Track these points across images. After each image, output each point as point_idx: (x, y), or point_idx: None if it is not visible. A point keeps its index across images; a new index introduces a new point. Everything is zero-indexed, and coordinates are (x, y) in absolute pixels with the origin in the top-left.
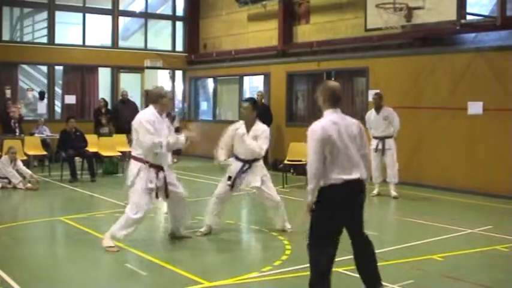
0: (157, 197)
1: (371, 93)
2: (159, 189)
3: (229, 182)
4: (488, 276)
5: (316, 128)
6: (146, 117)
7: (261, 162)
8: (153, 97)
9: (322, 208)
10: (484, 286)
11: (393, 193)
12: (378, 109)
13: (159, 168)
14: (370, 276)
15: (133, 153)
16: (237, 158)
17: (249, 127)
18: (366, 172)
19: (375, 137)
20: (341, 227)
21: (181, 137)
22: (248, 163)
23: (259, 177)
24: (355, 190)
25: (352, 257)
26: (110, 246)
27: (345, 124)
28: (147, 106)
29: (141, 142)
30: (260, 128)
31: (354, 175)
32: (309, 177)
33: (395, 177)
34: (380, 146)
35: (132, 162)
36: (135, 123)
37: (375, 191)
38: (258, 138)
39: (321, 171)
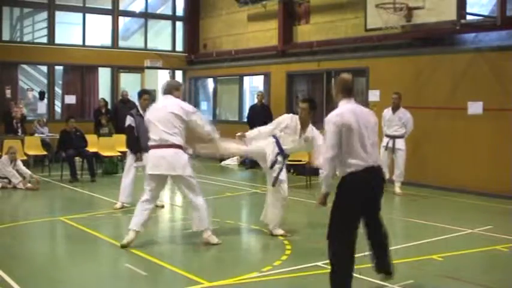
0: None
1: (371, 93)
2: None
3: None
4: (488, 276)
5: (332, 115)
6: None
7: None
8: (174, 86)
9: (344, 197)
10: (484, 286)
11: (398, 190)
12: (395, 109)
13: None
14: (381, 258)
15: (176, 142)
16: (279, 146)
17: (304, 127)
18: (379, 158)
19: (387, 135)
20: (360, 214)
21: None
22: (284, 157)
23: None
24: (374, 176)
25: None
26: (215, 243)
27: (361, 113)
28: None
29: (195, 129)
30: (313, 132)
31: (373, 162)
32: (324, 163)
33: (402, 176)
34: (390, 145)
35: (178, 151)
36: (184, 113)
37: None
38: (308, 141)
39: (336, 158)
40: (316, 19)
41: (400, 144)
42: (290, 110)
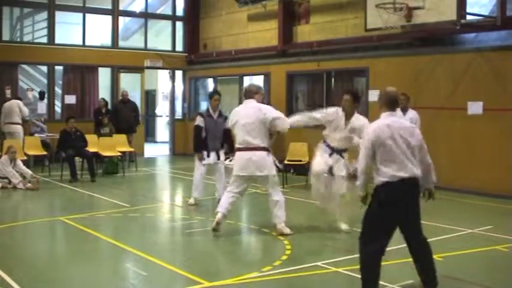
0: None
1: (371, 93)
2: None
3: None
4: (488, 276)
5: (369, 129)
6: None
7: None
8: (254, 91)
9: (377, 205)
10: (484, 286)
11: None
12: (405, 110)
13: None
14: (427, 275)
15: (261, 145)
16: (328, 146)
17: (348, 118)
18: (420, 171)
19: None
20: (395, 224)
21: None
22: (337, 152)
23: (346, 167)
24: (409, 188)
25: (352, 256)
26: (288, 233)
27: (399, 127)
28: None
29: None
30: (359, 120)
31: (408, 173)
32: (359, 173)
33: None
34: None
35: (262, 153)
36: (263, 117)
37: None
38: (356, 131)
39: (369, 168)
40: (316, 19)
41: None
42: (290, 110)
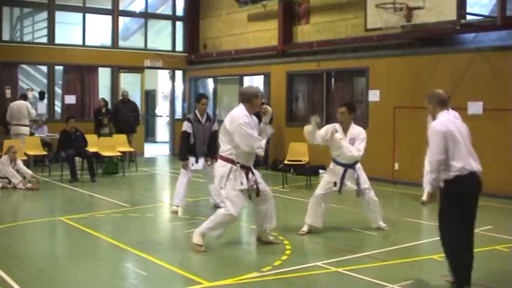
0: (250, 198)
1: (371, 94)
2: (250, 189)
3: (335, 188)
4: (488, 276)
5: (437, 125)
6: (244, 119)
7: (359, 165)
8: (246, 96)
9: (451, 199)
10: (484, 286)
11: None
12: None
13: (248, 168)
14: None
15: (221, 153)
16: (337, 163)
17: (346, 130)
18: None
19: None
20: (468, 214)
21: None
22: (350, 167)
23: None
24: (478, 180)
25: (352, 256)
26: (199, 245)
27: (459, 122)
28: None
29: (236, 144)
30: (357, 130)
31: (475, 167)
32: (432, 169)
33: None
34: None
35: (221, 162)
36: (229, 123)
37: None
38: (355, 141)
39: (442, 164)
40: (316, 19)
41: None
42: (290, 110)
